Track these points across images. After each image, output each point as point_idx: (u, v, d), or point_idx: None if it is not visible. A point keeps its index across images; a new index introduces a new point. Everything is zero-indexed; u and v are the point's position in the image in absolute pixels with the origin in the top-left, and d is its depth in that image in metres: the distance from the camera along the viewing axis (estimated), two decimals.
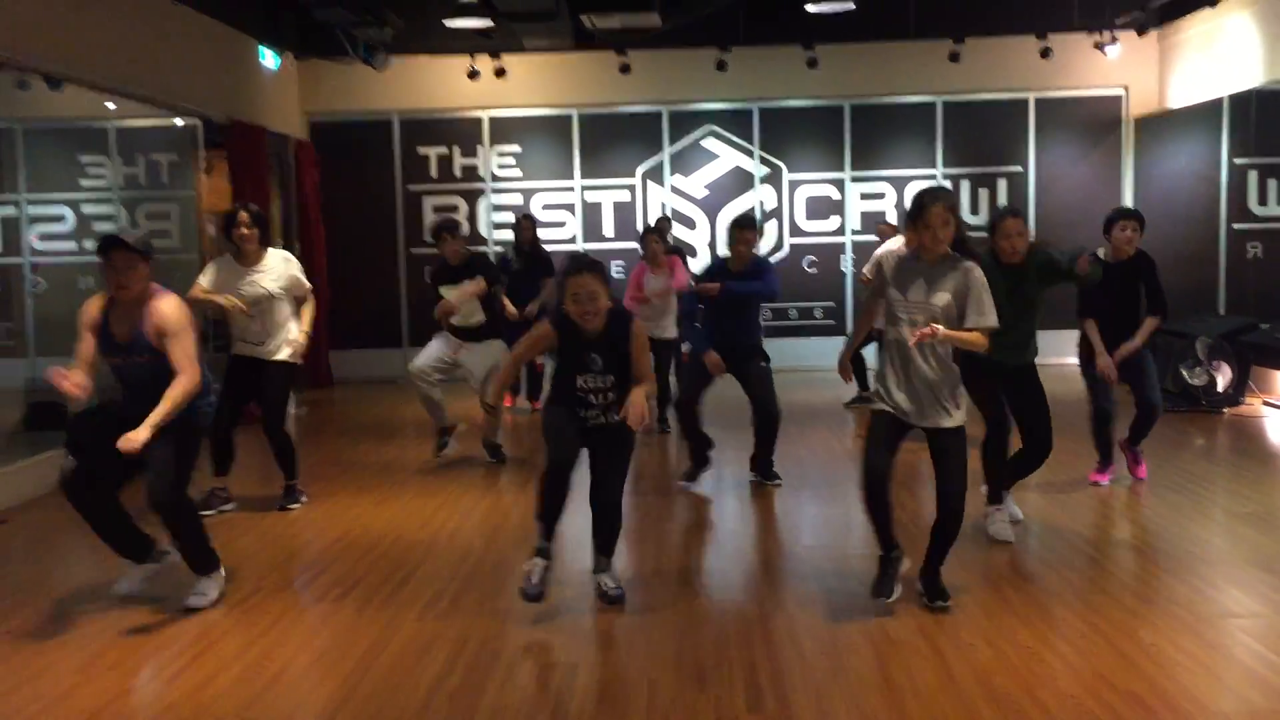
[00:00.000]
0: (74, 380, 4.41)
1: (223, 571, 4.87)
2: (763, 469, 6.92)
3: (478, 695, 3.79)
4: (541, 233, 12.60)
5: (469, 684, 3.88)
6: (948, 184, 12.69)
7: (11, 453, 7.43)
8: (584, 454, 4.70)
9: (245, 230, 6.34)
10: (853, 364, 9.41)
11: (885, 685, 3.81)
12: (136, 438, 4.29)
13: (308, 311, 6.59)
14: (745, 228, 6.79)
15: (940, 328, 4.25)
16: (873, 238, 12.35)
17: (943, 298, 4.37)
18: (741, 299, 6.71)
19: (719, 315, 6.74)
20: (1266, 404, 9.45)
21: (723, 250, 11.36)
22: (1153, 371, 6.49)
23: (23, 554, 5.85)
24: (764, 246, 12.85)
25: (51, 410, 7.55)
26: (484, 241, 12.57)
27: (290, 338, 6.47)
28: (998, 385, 5.52)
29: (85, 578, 5.24)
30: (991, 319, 4.35)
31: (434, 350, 7.59)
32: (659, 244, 8.75)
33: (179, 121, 10.26)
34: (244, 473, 6.99)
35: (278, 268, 6.45)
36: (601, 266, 4.63)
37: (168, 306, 4.59)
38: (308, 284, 6.62)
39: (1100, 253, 6.33)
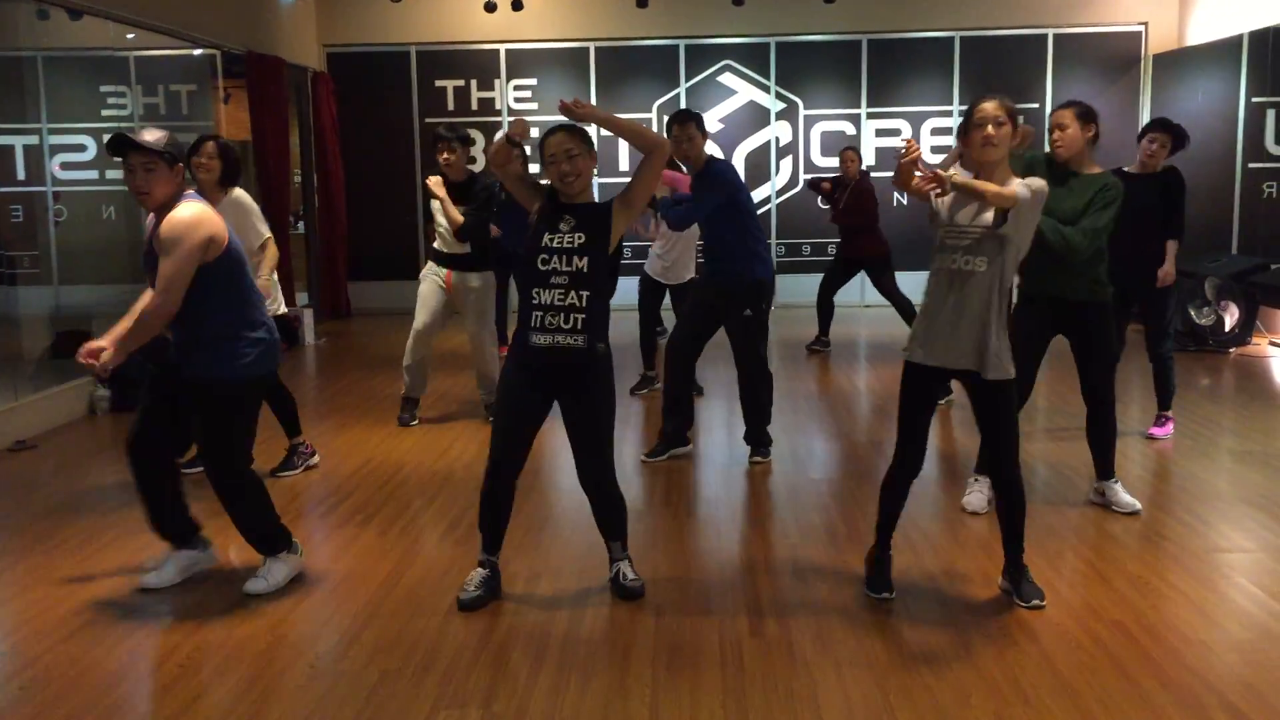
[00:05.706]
0: (89, 348, 3.94)
1: (298, 554, 4.40)
2: (752, 439, 6.17)
3: (495, 616, 3.98)
4: None
5: (487, 605, 4.07)
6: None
7: (40, 380, 7.63)
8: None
9: (205, 160, 5.64)
10: (820, 310, 9.57)
11: (881, 613, 3.98)
12: (94, 348, 3.91)
13: (267, 258, 5.86)
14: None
15: (955, 174, 3.74)
16: (887, 173, 12.44)
17: (990, 215, 3.72)
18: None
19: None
20: (1273, 344, 9.54)
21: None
22: (1171, 319, 6.23)
23: (52, 479, 6.06)
24: (779, 182, 12.89)
25: (79, 338, 7.69)
26: None
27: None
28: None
29: (117, 500, 5.44)
30: (1013, 192, 3.66)
31: (430, 301, 6.97)
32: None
33: (197, 52, 10.33)
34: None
35: (233, 211, 5.62)
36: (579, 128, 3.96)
37: (175, 216, 3.91)
38: (264, 231, 5.91)
39: (1125, 167, 6.11)
